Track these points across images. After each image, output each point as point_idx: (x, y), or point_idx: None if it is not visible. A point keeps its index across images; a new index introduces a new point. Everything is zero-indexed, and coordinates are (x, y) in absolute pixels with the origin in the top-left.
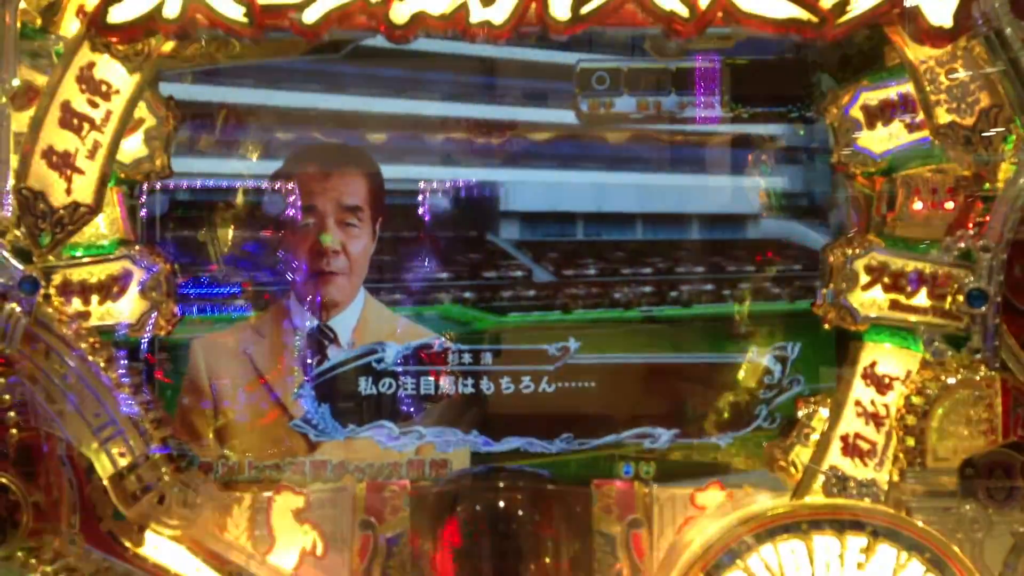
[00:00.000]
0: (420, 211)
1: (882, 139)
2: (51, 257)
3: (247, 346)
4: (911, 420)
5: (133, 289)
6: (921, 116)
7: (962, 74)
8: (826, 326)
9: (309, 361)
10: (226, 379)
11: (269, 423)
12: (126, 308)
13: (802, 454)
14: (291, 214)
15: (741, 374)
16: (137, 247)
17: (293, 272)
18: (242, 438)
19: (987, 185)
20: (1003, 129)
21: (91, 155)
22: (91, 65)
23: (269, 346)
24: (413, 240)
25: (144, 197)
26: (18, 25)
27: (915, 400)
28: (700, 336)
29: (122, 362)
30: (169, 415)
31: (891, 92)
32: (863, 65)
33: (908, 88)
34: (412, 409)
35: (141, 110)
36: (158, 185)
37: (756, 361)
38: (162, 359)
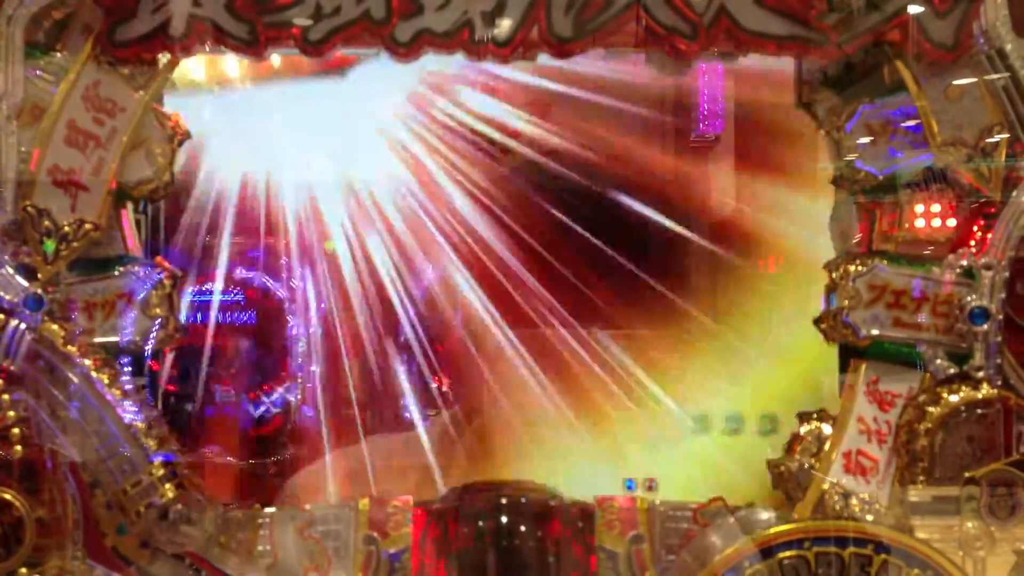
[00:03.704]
0: None
1: (883, 156)
2: (56, 274)
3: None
4: (913, 437)
5: (137, 305)
6: (922, 133)
7: (964, 92)
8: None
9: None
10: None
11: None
12: (130, 324)
13: (804, 471)
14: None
15: None
16: (140, 263)
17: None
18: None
19: (988, 203)
20: (1004, 146)
21: (96, 172)
22: (97, 83)
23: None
24: None
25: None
26: (23, 43)
27: (917, 418)
28: None
29: (126, 378)
30: (172, 432)
31: (893, 109)
32: (865, 76)
33: (910, 105)
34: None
35: (146, 127)
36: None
37: None
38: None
